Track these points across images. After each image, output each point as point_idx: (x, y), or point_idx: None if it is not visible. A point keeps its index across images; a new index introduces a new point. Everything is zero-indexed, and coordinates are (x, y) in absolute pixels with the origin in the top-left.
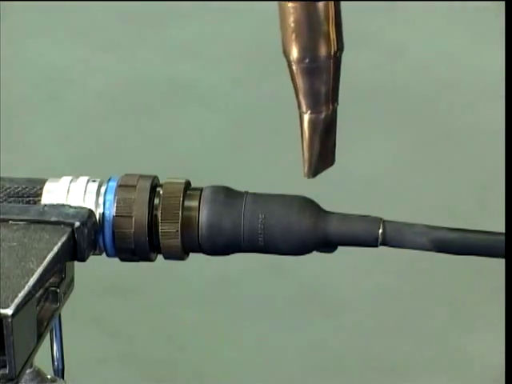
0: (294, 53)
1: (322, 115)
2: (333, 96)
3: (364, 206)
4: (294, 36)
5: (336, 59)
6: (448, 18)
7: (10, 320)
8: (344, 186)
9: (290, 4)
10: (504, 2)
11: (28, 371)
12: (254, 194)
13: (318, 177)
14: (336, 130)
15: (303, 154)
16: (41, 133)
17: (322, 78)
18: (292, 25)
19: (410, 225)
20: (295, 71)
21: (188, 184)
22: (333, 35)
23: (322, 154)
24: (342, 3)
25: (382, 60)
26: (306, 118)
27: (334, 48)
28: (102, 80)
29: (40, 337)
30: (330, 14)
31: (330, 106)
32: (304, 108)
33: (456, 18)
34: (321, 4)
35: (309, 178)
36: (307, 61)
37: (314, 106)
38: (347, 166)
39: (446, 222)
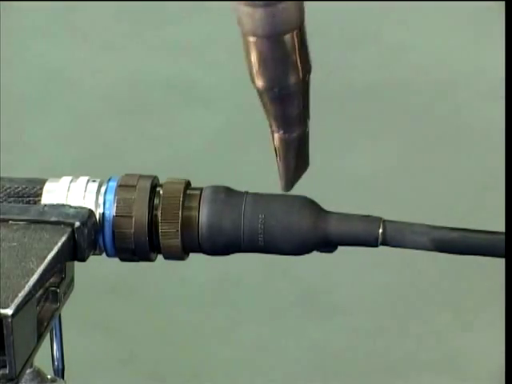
0: (261, 83)
1: (295, 135)
2: (304, 115)
3: (364, 206)
4: (259, 68)
5: (305, 82)
6: (448, 18)
7: (9, 320)
8: (344, 185)
9: (251, 38)
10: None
11: (28, 371)
12: (254, 194)
13: (318, 177)
14: (308, 140)
15: (278, 170)
16: (41, 133)
17: (292, 103)
18: (256, 58)
19: (411, 224)
20: (264, 99)
21: (188, 184)
22: (299, 62)
23: (297, 167)
24: (343, 3)
25: (382, 60)
26: (278, 137)
27: (301, 73)
28: (102, 80)
29: (40, 337)
30: (294, 43)
31: (302, 126)
32: (276, 128)
33: (456, 18)
34: (286, 36)
35: (285, 191)
36: (276, 90)
37: (286, 128)
38: (347, 166)
39: (446, 222)
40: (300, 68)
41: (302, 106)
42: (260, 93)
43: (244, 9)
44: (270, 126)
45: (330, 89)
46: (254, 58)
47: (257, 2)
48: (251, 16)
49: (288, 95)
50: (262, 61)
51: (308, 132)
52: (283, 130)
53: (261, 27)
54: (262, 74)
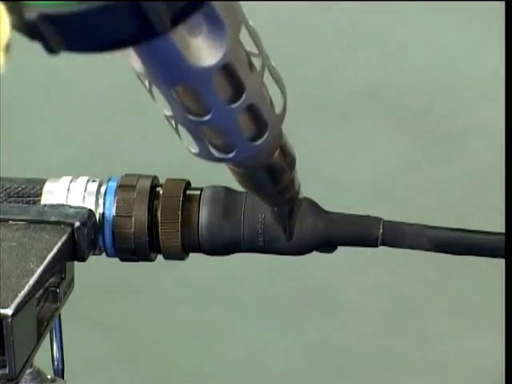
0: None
1: (285, 209)
2: (294, 194)
3: (364, 206)
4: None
5: (289, 165)
6: (448, 18)
7: (9, 320)
8: (344, 185)
9: (231, 166)
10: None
11: (28, 371)
12: None
13: (318, 177)
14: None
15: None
16: (41, 133)
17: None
18: (241, 183)
19: (411, 225)
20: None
21: (188, 184)
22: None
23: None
24: (344, 3)
25: (382, 60)
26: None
27: (284, 164)
28: (102, 80)
29: (40, 337)
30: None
31: (293, 201)
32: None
33: (457, 18)
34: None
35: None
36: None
37: (275, 205)
38: (347, 165)
39: (446, 222)
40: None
41: (291, 184)
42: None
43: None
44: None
45: (331, 89)
46: (238, 182)
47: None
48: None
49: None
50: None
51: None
52: (276, 206)
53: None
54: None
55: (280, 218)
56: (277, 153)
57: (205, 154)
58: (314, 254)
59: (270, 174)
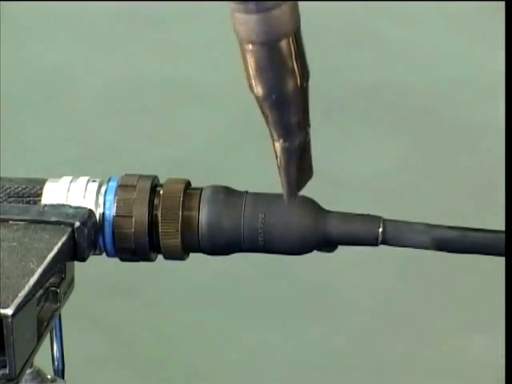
0: (259, 90)
1: (296, 143)
2: (304, 123)
3: (364, 206)
4: (256, 75)
5: (303, 89)
6: (449, 18)
7: (10, 320)
8: (344, 185)
9: (247, 46)
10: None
11: (28, 371)
12: (254, 194)
13: (318, 177)
14: (310, 148)
15: (281, 180)
16: (41, 133)
17: (291, 110)
18: (253, 65)
19: (410, 223)
20: (263, 106)
21: (188, 184)
22: (296, 68)
23: (300, 177)
24: (346, 3)
25: (383, 60)
26: (279, 146)
27: (299, 80)
28: (102, 80)
29: (40, 337)
30: (290, 50)
31: (303, 133)
32: (276, 137)
33: (457, 19)
34: (281, 42)
35: (290, 202)
36: (273, 96)
37: (286, 136)
38: (348, 165)
39: (446, 221)
40: (298, 74)
41: (301, 113)
42: (258, 100)
43: (239, 16)
44: (271, 135)
45: (331, 89)
46: (250, 65)
47: (250, 8)
48: (246, 23)
49: (286, 102)
50: (259, 68)
51: (310, 140)
52: (283, 138)
53: (255, 34)
54: (259, 81)
55: (288, 157)
56: (291, 40)
57: None
58: (314, 253)
59: (283, 60)
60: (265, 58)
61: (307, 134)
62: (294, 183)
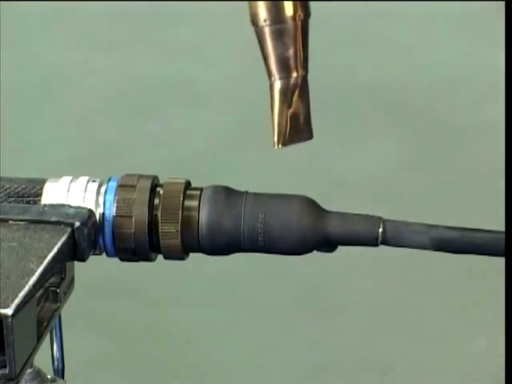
0: (260, 15)
1: (291, 80)
2: (301, 62)
3: (364, 206)
4: (257, 5)
5: (302, 23)
6: (449, 18)
7: (10, 320)
8: (344, 185)
9: None
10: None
11: (28, 371)
12: (254, 194)
13: (318, 177)
14: (309, 101)
15: (272, 123)
16: (41, 133)
17: (288, 43)
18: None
19: (410, 224)
20: (261, 35)
21: (188, 184)
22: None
23: (293, 123)
24: (347, 4)
25: (383, 60)
26: (274, 85)
27: (298, 11)
28: (102, 80)
29: (40, 337)
30: None
31: (299, 72)
32: (271, 74)
33: (457, 19)
34: None
35: (278, 147)
36: (272, 26)
37: (281, 71)
38: (348, 165)
39: (446, 221)
40: (298, 6)
41: (298, 48)
42: (258, 33)
43: None
44: (269, 77)
45: (331, 89)
46: None
47: None
48: None
49: (284, 32)
50: None
51: (307, 90)
52: (278, 74)
53: None
54: (260, 6)
55: (282, 97)
56: None
57: None
58: (314, 253)
59: None
60: None
61: (304, 79)
62: (284, 128)
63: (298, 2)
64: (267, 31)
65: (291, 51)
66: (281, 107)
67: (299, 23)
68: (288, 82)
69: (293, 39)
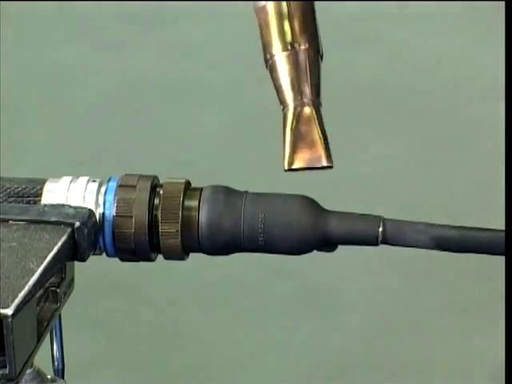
0: (273, 44)
1: (304, 108)
2: (311, 33)
3: (364, 206)
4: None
5: (313, 51)
6: (449, 18)
7: (10, 320)
8: (344, 185)
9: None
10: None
11: (28, 371)
12: (254, 194)
13: (319, 177)
14: (322, 125)
15: (283, 150)
16: (41, 133)
17: (299, 69)
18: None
19: (411, 223)
20: (273, 64)
21: (188, 184)
22: (288, 30)
23: (298, 146)
24: (347, 4)
25: (382, 60)
26: (288, 113)
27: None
28: (102, 80)
29: (40, 337)
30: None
31: (313, 100)
32: (285, 104)
33: (457, 19)
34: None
35: (285, 169)
36: (284, 50)
37: (294, 99)
38: (348, 164)
39: (446, 221)
40: (291, 37)
41: (311, 75)
42: (271, 61)
43: None
44: (283, 105)
45: (331, 89)
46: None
47: None
48: None
49: (297, 60)
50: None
51: (319, 115)
52: (295, 102)
53: None
54: (273, 39)
55: (284, 124)
56: None
57: None
58: (315, 253)
59: None
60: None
61: (317, 106)
62: (290, 149)
63: (308, 31)
64: (279, 59)
65: (304, 79)
66: (283, 132)
67: (311, 52)
68: (301, 111)
69: (304, 67)
